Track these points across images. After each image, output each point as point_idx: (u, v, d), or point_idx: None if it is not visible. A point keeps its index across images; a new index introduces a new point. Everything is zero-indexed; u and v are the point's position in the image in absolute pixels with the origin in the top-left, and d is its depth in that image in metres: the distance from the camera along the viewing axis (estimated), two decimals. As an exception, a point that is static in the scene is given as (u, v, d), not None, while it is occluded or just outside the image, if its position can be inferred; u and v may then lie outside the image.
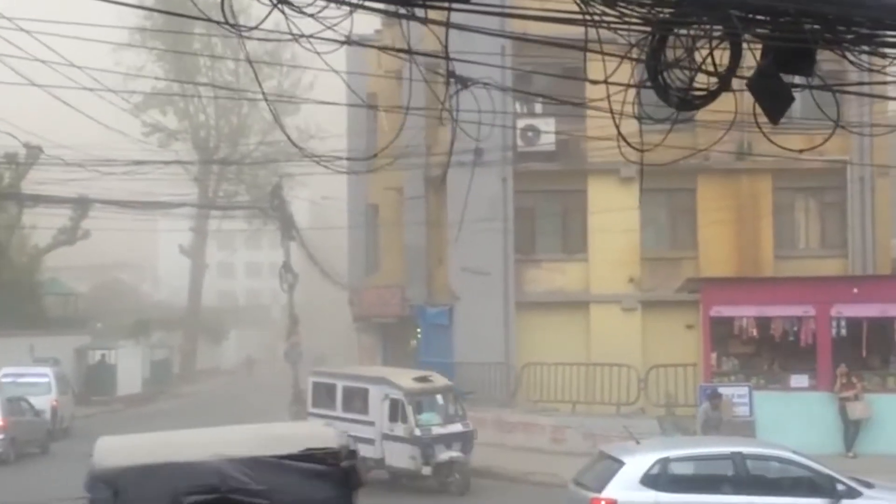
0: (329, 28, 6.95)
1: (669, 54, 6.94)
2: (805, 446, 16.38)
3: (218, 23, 7.55)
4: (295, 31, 7.24)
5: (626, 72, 7.54)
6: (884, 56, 7.22)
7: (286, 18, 6.95)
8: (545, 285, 30.11)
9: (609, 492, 13.65)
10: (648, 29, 6.96)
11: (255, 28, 7.53)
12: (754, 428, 23.44)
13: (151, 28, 49.45)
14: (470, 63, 8.42)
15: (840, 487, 13.68)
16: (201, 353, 63.11)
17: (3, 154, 39.99)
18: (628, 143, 7.41)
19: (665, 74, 6.96)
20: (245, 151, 56.95)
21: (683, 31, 6.92)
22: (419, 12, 7.13)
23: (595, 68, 7.59)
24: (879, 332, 24.30)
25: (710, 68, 6.95)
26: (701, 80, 7.02)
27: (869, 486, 13.98)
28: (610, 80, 7.30)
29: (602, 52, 7.10)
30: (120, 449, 9.27)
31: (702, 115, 8.41)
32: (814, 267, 28.51)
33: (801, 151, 11.32)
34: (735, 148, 26.99)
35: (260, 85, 11.63)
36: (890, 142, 27.61)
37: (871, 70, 8.20)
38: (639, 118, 7.47)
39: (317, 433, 8.61)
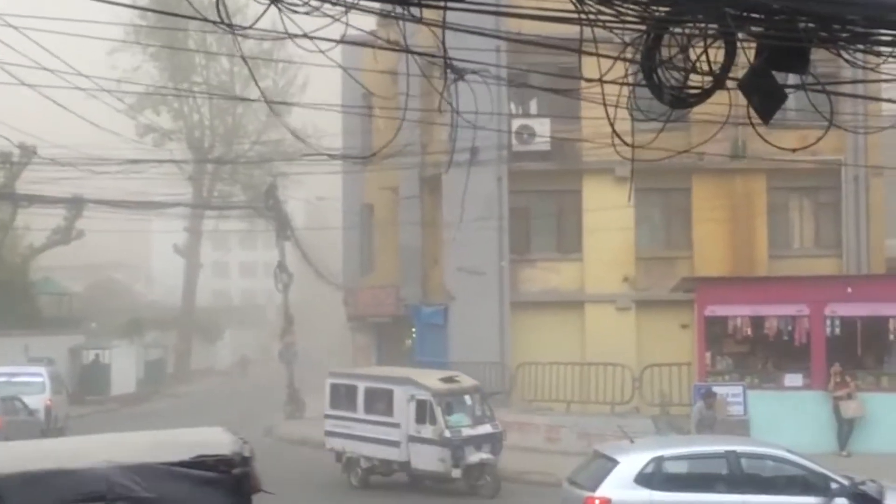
0: (331, 19, 6.94)
1: (664, 53, 6.95)
2: (799, 445, 16.43)
3: (213, 22, 7.55)
4: (290, 30, 7.25)
5: (621, 71, 7.55)
6: (878, 54, 7.24)
7: (281, 18, 6.95)
8: (540, 285, 30.12)
9: (603, 491, 13.65)
10: (643, 27, 6.98)
11: (250, 28, 7.54)
12: (748, 427, 23.47)
13: (147, 25, 49.33)
14: (466, 62, 8.41)
15: (834, 486, 13.70)
16: (196, 352, 63.00)
17: (-2, 154, 40.03)
18: (622, 140, 7.42)
19: (659, 72, 6.97)
20: (240, 151, 56.86)
21: (678, 30, 6.94)
22: (415, 12, 7.13)
23: (590, 67, 7.61)
24: (873, 332, 24.35)
25: (705, 67, 6.97)
26: (695, 78, 7.04)
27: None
28: (605, 78, 7.31)
29: (598, 55, 7.11)
30: (2, 456, 9.08)
31: (696, 114, 8.43)
32: (808, 266, 28.55)
33: (794, 150, 11.33)
34: (730, 147, 27.03)
35: (257, 84, 11.67)
36: (884, 141, 27.64)
37: (865, 68, 8.22)
38: (630, 110, 7.49)
39: (210, 439, 8.46)
